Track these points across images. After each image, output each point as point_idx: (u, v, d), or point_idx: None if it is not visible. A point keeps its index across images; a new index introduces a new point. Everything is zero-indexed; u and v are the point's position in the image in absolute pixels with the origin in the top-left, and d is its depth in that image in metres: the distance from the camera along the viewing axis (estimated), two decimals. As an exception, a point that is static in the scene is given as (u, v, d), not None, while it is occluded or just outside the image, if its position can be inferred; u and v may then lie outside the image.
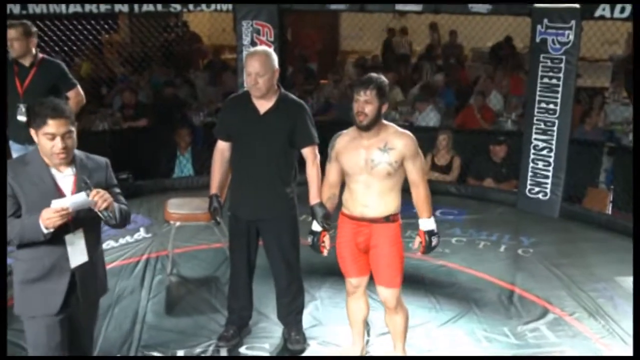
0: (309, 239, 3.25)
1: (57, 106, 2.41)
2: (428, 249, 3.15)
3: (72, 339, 2.64)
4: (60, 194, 2.43)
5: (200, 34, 10.40)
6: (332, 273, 4.25)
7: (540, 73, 5.56)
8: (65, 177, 2.48)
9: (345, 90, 8.11)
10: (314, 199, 3.26)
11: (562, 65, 5.42)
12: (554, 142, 5.63)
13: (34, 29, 4.46)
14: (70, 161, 2.48)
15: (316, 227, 3.23)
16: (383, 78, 3.03)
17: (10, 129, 4.41)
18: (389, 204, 3.08)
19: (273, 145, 3.27)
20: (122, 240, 4.99)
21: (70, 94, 4.51)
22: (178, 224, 4.46)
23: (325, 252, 3.25)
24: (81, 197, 2.38)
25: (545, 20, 5.42)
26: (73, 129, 2.44)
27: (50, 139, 2.39)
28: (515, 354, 3.57)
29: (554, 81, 5.50)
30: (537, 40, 5.52)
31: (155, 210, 5.65)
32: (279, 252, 3.45)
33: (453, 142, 6.52)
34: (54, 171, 2.46)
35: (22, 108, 4.33)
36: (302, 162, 3.40)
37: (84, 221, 2.48)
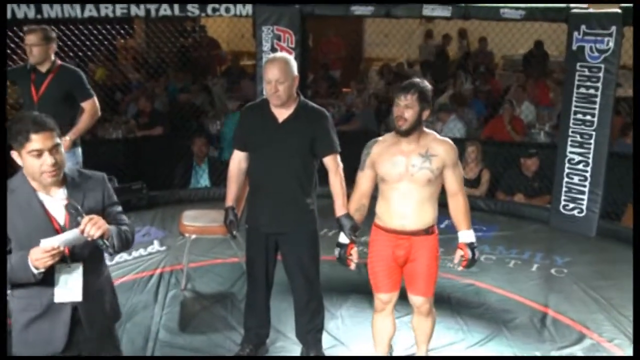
0: (336, 252, 3.25)
1: (37, 118, 2.25)
2: (471, 262, 3.15)
3: None
4: (51, 222, 2.30)
5: (219, 39, 10.50)
6: (354, 290, 4.24)
7: (576, 82, 5.49)
8: (55, 202, 2.32)
9: (369, 99, 8.12)
10: (340, 210, 3.26)
11: (601, 74, 5.34)
12: (590, 156, 5.56)
13: (54, 34, 4.50)
14: (62, 181, 2.34)
15: (343, 239, 3.22)
16: (426, 83, 3.07)
17: None
18: (427, 214, 3.10)
19: (292, 154, 3.28)
20: (135, 253, 5.02)
21: (85, 104, 4.51)
22: (193, 236, 4.48)
23: (352, 266, 3.24)
24: (74, 233, 2.22)
25: (583, 27, 5.36)
26: (60, 141, 2.28)
27: (36, 156, 2.23)
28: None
29: (592, 91, 5.43)
30: (574, 47, 5.46)
31: (170, 222, 5.68)
32: (298, 268, 3.44)
33: (482, 154, 6.48)
34: (42, 196, 2.31)
35: None
36: (321, 173, 3.41)
37: (83, 253, 2.35)
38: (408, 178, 3.04)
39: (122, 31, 7.05)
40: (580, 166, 5.63)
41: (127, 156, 6.59)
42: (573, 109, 5.57)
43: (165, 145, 6.81)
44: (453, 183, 3.12)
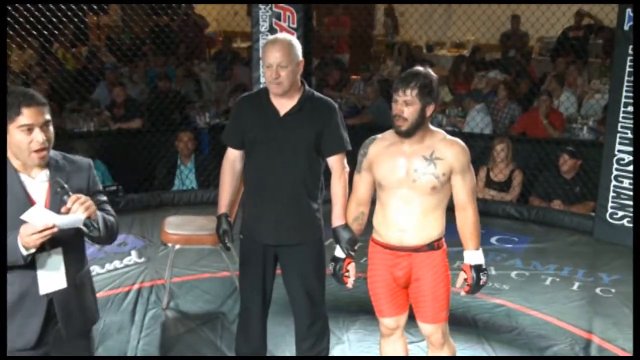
0: (330, 267, 3.26)
1: (28, 92, 2.42)
2: (475, 288, 3.11)
3: None
4: (31, 204, 2.40)
5: (208, 17, 10.52)
6: (363, 310, 4.25)
7: (628, 69, 5.48)
8: (37, 184, 2.46)
9: (379, 84, 8.14)
10: (338, 220, 3.27)
11: (659, 59, 5.34)
12: (643, 155, 5.56)
13: None
14: (45, 163, 2.47)
15: (339, 253, 3.24)
16: (430, 73, 3.00)
17: None
18: (432, 227, 3.07)
19: (296, 153, 3.28)
20: (109, 266, 5.04)
21: None
22: (177, 247, 4.49)
23: (349, 284, 3.25)
24: (73, 217, 2.36)
25: (639, 3, 5.36)
26: (50, 118, 2.44)
27: (27, 131, 2.37)
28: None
29: (646, 79, 5.42)
30: (625, 28, 5.44)
31: (150, 230, 5.72)
32: (301, 285, 3.44)
33: (513, 153, 6.49)
34: (23, 177, 2.45)
35: None
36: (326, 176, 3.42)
37: (63, 237, 2.44)
38: (409, 184, 3.01)
39: (94, 6, 7.05)
40: (632, 167, 5.62)
41: (100, 153, 6.60)
42: (623, 100, 5.56)
43: (144, 140, 6.83)
44: (462, 193, 3.05)
